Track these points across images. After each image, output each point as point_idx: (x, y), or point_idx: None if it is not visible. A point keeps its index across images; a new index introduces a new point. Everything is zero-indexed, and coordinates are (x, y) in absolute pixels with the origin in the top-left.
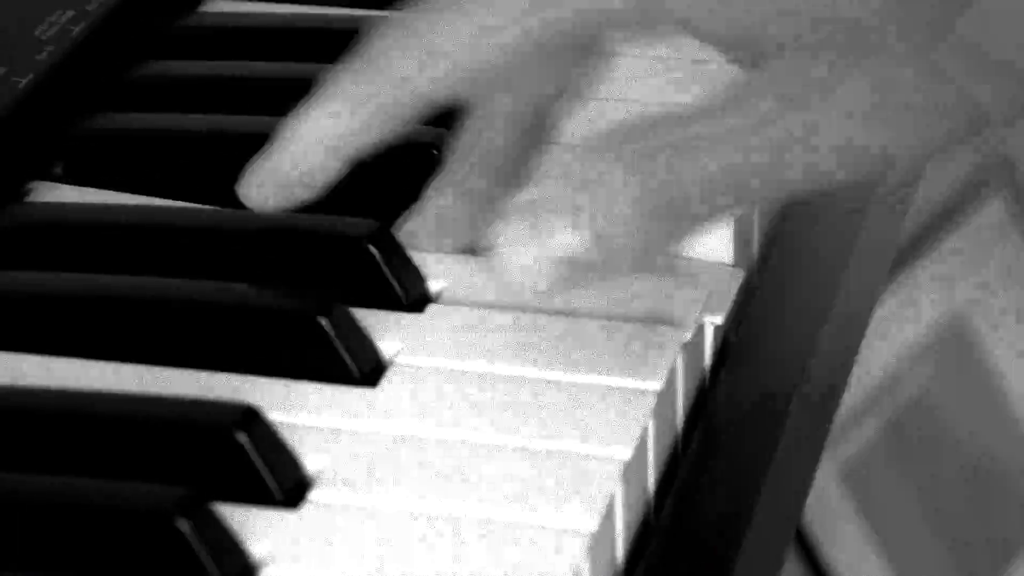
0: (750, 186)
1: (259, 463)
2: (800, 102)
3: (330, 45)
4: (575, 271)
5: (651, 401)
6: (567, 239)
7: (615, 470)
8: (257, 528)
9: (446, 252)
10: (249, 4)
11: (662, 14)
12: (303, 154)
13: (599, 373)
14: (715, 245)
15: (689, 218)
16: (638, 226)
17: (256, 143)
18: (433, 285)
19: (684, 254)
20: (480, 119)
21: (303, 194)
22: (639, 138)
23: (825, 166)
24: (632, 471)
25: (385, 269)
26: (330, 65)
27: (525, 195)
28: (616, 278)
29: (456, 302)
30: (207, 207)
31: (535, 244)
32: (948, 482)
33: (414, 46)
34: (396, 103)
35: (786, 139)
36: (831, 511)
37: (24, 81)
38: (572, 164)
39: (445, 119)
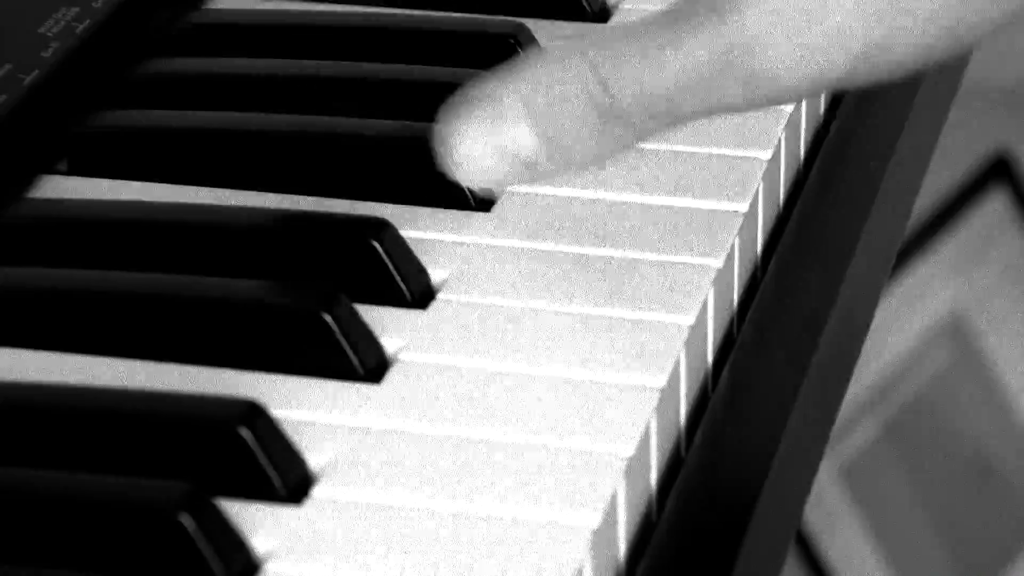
0: (699, 98)
1: (263, 459)
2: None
3: (331, 42)
4: (524, 169)
5: (654, 398)
6: (522, 137)
7: (618, 467)
8: (260, 524)
9: None
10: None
11: None
12: None
13: (601, 369)
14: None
15: (645, 126)
16: (590, 130)
17: (261, 141)
18: (435, 274)
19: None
20: None
21: None
22: (603, 46)
23: (785, 66)
24: (635, 468)
25: (390, 265)
26: (332, 62)
27: (482, 87)
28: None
29: (459, 292)
30: (212, 204)
31: (489, 138)
32: (948, 481)
33: None
34: None
35: (738, 46)
36: (831, 510)
37: (29, 78)
38: (532, 63)
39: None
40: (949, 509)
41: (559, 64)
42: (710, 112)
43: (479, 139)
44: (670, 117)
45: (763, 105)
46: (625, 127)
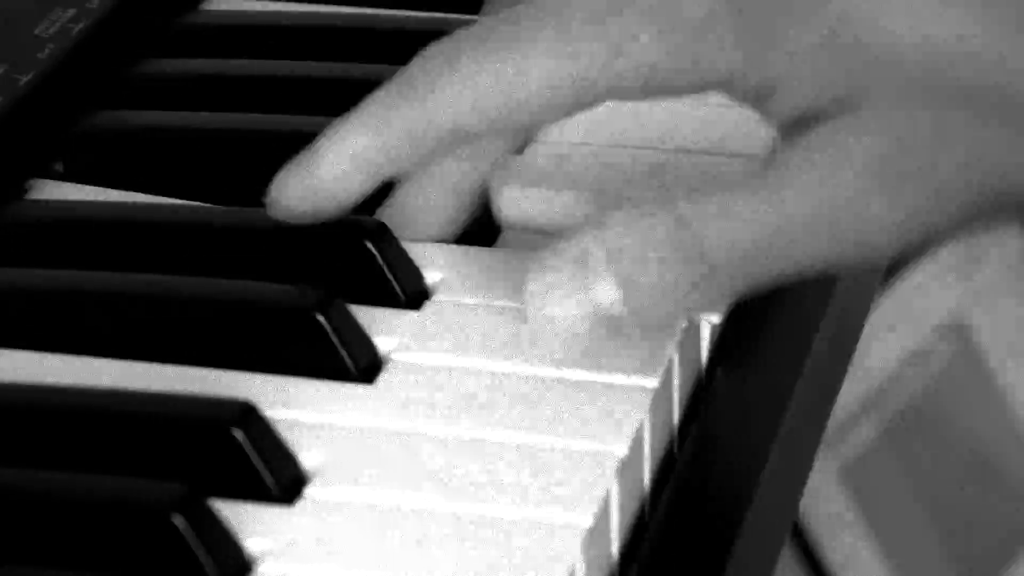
0: (790, 258)
1: (256, 459)
2: (832, 173)
3: (331, 43)
4: (605, 327)
5: (647, 397)
6: (609, 298)
7: (611, 466)
8: (254, 524)
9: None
10: (250, 2)
11: (709, 74)
12: (332, 167)
13: (595, 369)
14: None
15: (727, 288)
16: (676, 291)
17: (257, 141)
18: (429, 276)
19: None
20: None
21: (330, 207)
22: (696, 200)
23: (868, 237)
24: (628, 467)
25: (383, 266)
26: (331, 63)
27: (564, 246)
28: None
29: (453, 293)
30: (206, 205)
31: (573, 297)
32: (948, 482)
33: (450, 78)
34: (425, 131)
35: (824, 216)
36: (830, 511)
37: (25, 79)
38: (621, 219)
39: None
40: (949, 509)
41: (648, 221)
42: (806, 272)
43: (568, 299)
44: (765, 276)
45: (865, 264)
46: (713, 286)
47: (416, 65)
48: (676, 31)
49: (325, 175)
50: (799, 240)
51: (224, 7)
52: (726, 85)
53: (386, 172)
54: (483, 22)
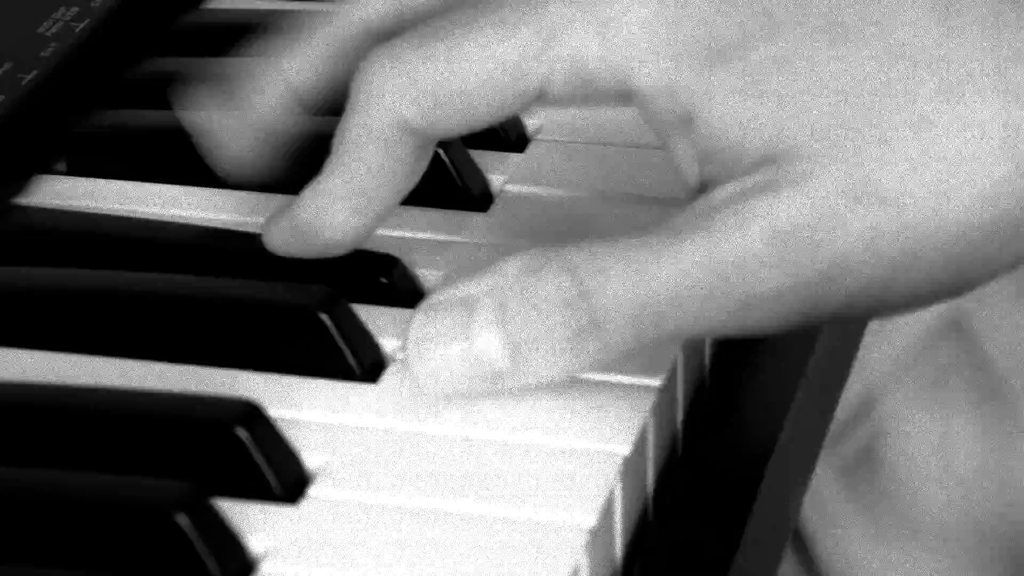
0: (679, 320)
1: (259, 458)
2: (729, 238)
3: None
4: (491, 380)
5: (651, 397)
6: (492, 348)
7: (614, 466)
8: (257, 523)
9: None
10: (252, 2)
11: (634, 79)
12: (313, 210)
13: (599, 369)
14: None
15: (614, 346)
16: (561, 345)
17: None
18: (431, 275)
19: None
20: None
21: (332, 250)
22: (589, 253)
23: (759, 308)
24: (631, 467)
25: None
26: None
27: (453, 290)
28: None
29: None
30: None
31: (460, 346)
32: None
33: (390, 74)
34: (378, 138)
35: (717, 284)
36: (830, 510)
37: (28, 77)
38: (510, 267)
39: None
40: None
41: (539, 271)
42: (695, 333)
43: (450, 346)
44: (652, 334)
45: (754, 333)
46: (599, 343)
47: (359, 74)
48: (610, 28)
49: (316, 227)
50: (689, 304)
51: (226, 6)
52: (646, 100)
53: (374, 195)
54: (424, 21)
